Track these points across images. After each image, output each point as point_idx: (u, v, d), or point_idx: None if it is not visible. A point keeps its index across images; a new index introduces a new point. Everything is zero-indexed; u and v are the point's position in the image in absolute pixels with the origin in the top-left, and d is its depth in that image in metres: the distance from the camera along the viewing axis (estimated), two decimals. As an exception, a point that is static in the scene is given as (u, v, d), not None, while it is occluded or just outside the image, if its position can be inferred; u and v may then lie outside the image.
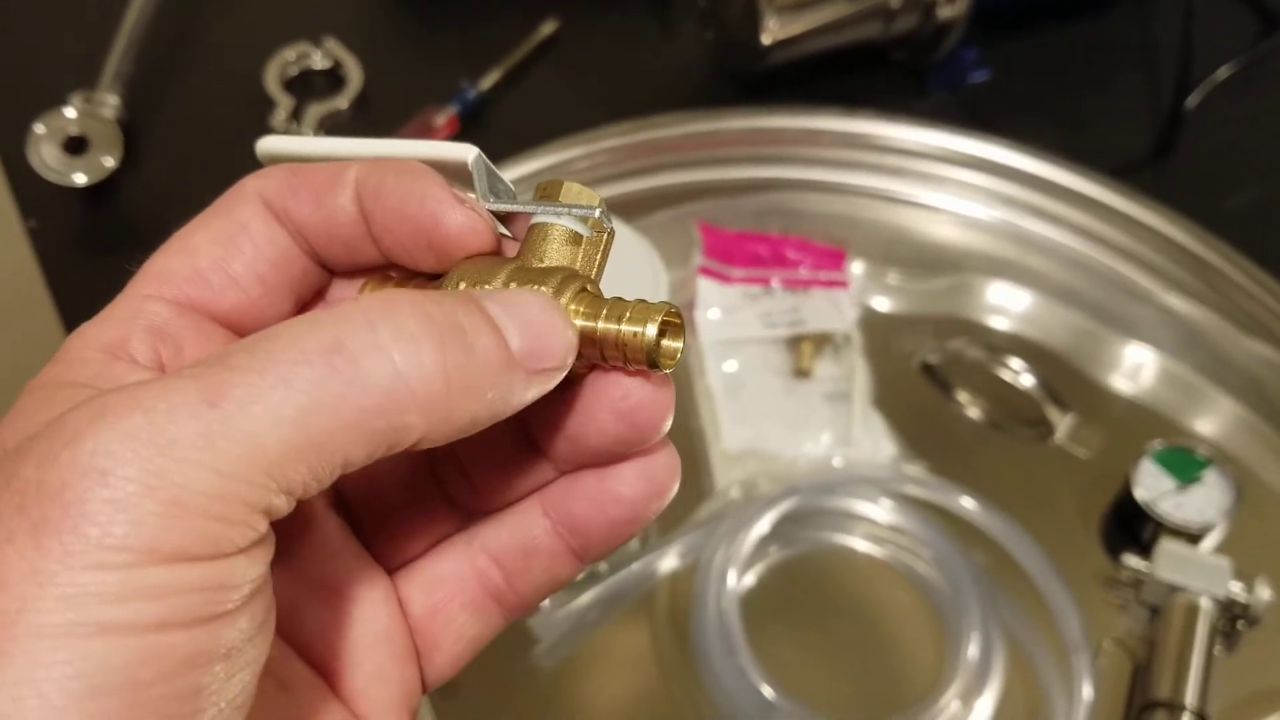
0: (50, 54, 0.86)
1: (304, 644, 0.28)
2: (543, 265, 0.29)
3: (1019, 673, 0.59)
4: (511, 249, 0.30)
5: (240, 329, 0.29)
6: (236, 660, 0.22)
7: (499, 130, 0.82)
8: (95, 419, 0.21)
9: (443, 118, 0.80)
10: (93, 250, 0.77)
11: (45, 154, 0.73)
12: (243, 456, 0.21)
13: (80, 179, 0.74)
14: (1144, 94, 0.87)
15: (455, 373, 0.24)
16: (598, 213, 0.29)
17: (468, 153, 0.29)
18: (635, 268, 0.57)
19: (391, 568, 0.31)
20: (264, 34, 0.85)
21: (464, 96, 0.81)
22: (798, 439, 0.66)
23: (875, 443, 0.66)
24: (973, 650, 0.58)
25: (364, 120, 0.82)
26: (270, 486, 0.22)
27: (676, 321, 0.28)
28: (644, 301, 0.27)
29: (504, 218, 0.30)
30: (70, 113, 0.74)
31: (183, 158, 0.80)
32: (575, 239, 0.29)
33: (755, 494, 0.64)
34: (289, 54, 0.83)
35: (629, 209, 0.72)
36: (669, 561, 0.62)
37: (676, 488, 0.29)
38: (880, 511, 0.63)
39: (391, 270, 0.30)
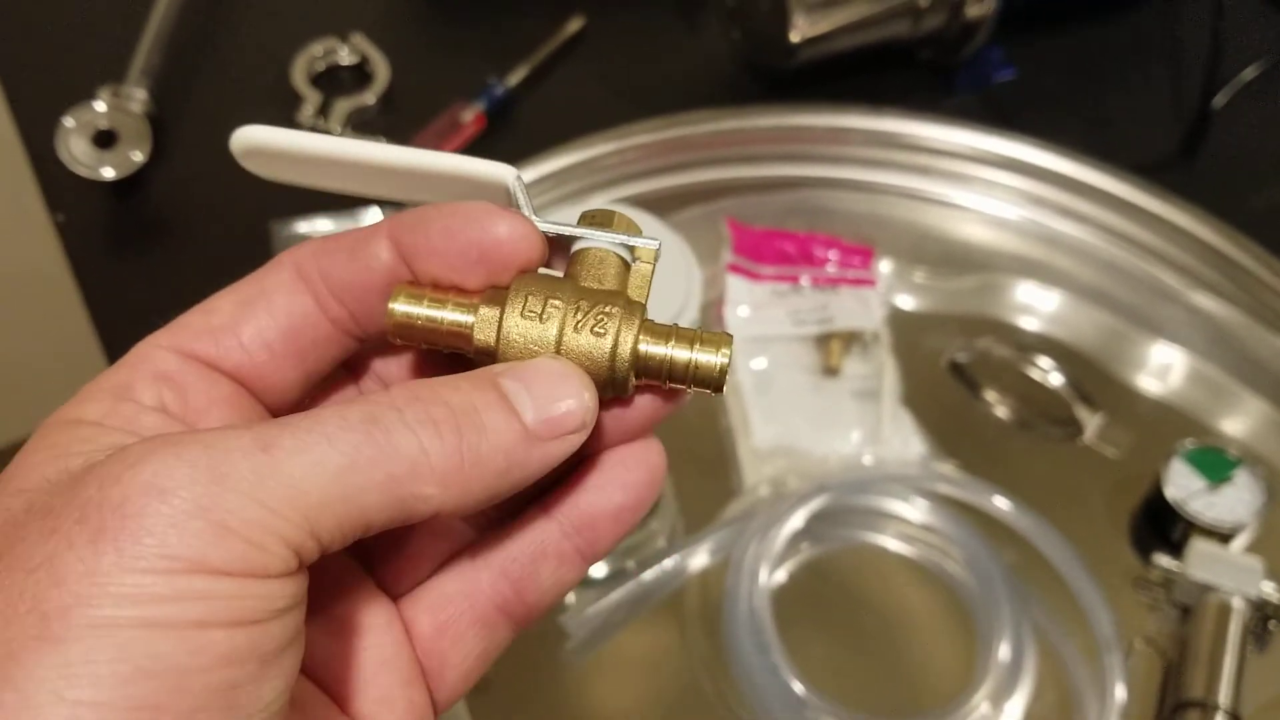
0: (79, 47, 0.87)
1: (311, 672, 0.30)
2: (602, 288, 0.30)
3: (1050, 673, 0.59)
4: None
5: (248, 387, 0.30)
6: (271, 666, 0.24)
7: (526, 127, 0.82)
8: (158, 447, 0.24)
9: (470, 114, 0.80)
10: (120, 244, 0.77)
11: (75, 148, 0.74)
12: (285, 497, 0.24)
13: (109, 173, 0.74)
14: (1169, 93, 0.86)
15: (469, 451, 0.26)
16: (656, 244, 0.31)
17: (506, 174, 0.29)
18: (669, 265, 0.57)
19: (400, 592, 0.32)
20: (291, 29, 0.85)
21: (491, 93, 0.81)
22: (827, 437, 0.66)
23: (905, 441, 0.66)
24: (1004, 650, 0.58)
25: (391, 116, 0.82)
26: (304, 528, 0.24)
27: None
28: (706, 330, 0.30)
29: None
30: (100, 106, 0.75)
31: (210, 153, 0.80)
32: (624, 266, 0.30)
33: (785, 491, 0.64)
34: (316, 49, 0.84)
35: (658, 206, 0.72)
36: (699, 559, 0.62)
37: (665, 472, 0.31)
38: (911, 510, 0.63)
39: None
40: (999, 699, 0.58)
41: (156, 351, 0.29)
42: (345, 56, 0.85)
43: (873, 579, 0.63)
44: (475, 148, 0.80)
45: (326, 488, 0.24)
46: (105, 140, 0.75)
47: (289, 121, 0.80)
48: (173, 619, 0.22)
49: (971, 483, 0.64)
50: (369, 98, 0.82)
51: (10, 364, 1.38)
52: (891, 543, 0.64)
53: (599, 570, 0.63)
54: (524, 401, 0.27)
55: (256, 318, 0.30)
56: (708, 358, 0.29)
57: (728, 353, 0.30)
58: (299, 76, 0.82)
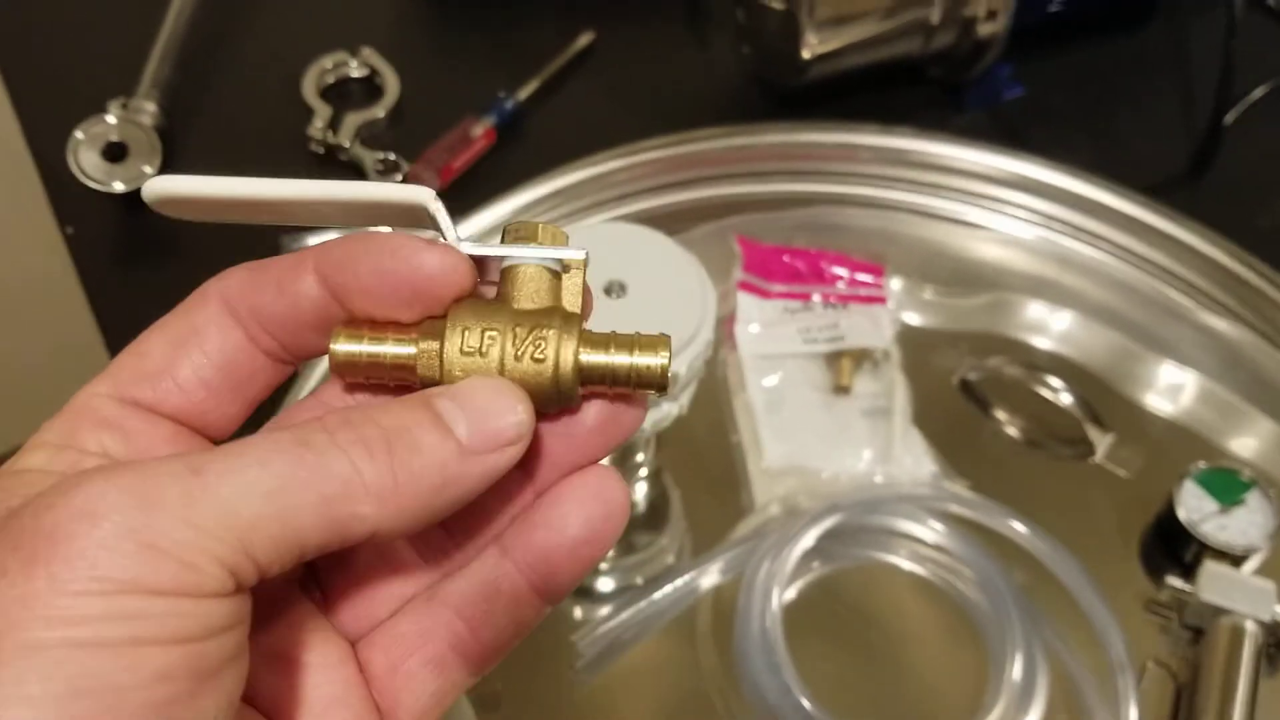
0: (90, 60, 0.87)
1: (261, 707, 0.29)
2: (536, 306, 0.30)
3: (1061, 694, 0.59)
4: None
5: (189, 425, 0.31)
6: (208, 683, 0.24)
7: (535, 141, 0.82)
8: (89, 476, 0.24)
9: (480, 129, 0.80)
10: (129, 257, 0.77)
11: (85, 161, 0.74)
12: (216, 518, 0.24)
13: (119, 186, 0.74)
14: (1178, 112, 0.87)
15: (402, 469, 0.27)
16: (582, 254, 0.31)
17: (424, 196, 0.29)
18: (684, 283, 0.57)
19: (359, 633, 0.32)
20: (301, 43, 0.86)
21: (501, 107, 0.81)
22: (838, 455, 0.66)
23: (916, 460, 0.66)
24: (1015, 671, 0.58)
25: (401, 130, 0.82)
26: (237, 548, 0.24)
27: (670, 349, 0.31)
28: (641, 333, 0.30)
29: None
30: (111, 119, 0.74)
31: (220, 166, 0.80)
32: (555, 277, 0.31)
33: (796, 510, 0.64)
34: (326, 62, 0.84)
35: (667, 222, 0.72)
36: (710, 578, 0.62)
37: (628, 506, 0.31)
38: (923, 529, 0.63)
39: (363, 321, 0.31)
40: (1010, 720, 0.58)
41: (95, 399, 0.30)
42: (355, 70, 0.85)
43: (884, 598, 0.63)
44: (486, 162, 0.80)
45: (258, 508, 0.25)
46: (115, 153, 0.75)
47: (300, 135, 0.80)
48: (106, 638, 0.22)
49: (984, 503, 0.64)
50: (379, 111, 0.82)
51: (20, 376, 1.37)
52: (903, 562, 0.63)
53: (608, 587, 0.63)
54: (457, 417, 0.28)
55: (190, 357, 0.30)
56: (647, 360, 0.30)
57: (666, 354, 0.30)
58: (309, 90, 0.82)
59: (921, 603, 0.63)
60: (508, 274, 0.30)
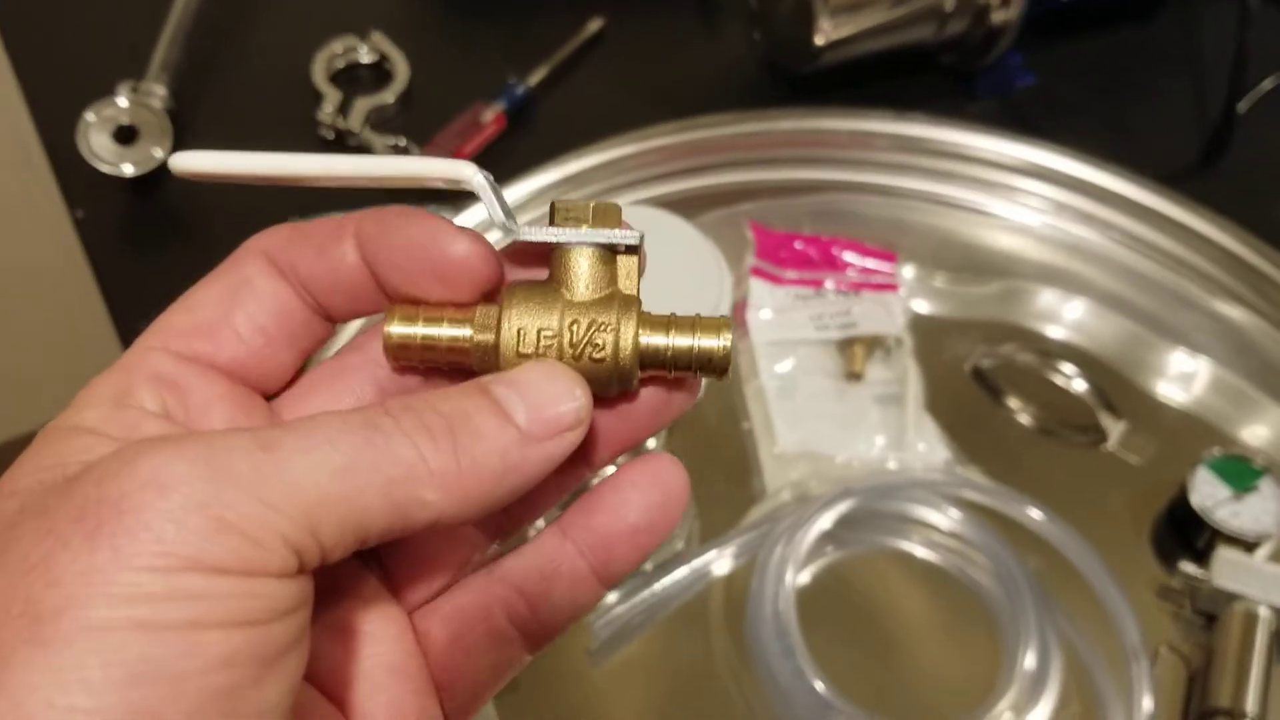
0: (100, 43, 0.86)
1: (318, 679, 0.29)
2: (592, 295, 0.30)
3: (1075, 681, 0.59)
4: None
5: (244, 378, 0.30)
6: (271, 669, 0.24)
7: (546, 127, 0.82)
8: (157, 445, 0.24)
9: (490, 114, 0.80)
10: (139, 241, 0.76)
11: (95, 143, 0.73)
12: (285, 494, 0.24)
13: (129, 169, 0.74)
14: (1190, 101, 0.86)
15: (465, 455, 0.26)
16: (637, 237, 0.30)
17: (472, 176, 0.29)
18: (701, 267, 0.57)
19: (417, 604, 0.32)
20: (311, 27, 0.85)
21: (511, 93, 0.81)
22: (850, 442, 0.66)
23: (929, 446, 0.66)
24: (1029, 658, 0.58)
25: (410, 115, 0.82)
26: (304, 526, 0.24)
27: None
28: (701, 315, 0.30)
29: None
30: (122, 102, 0.74)
31: (229, 149, 0.80)
32: (609, 259, 0.30)
33: (807, 496, 0.64)
34: (336, 47, 0.83)
35: (680, 208, 0.72)
36: (723, 563, 0.62)
37: (688, 493, 0.31)
38: (937, 515, 0.63)
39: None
40: (1023, 707, 0.58)
41: (150, 354, 0.29)
42: (365, 55, 0.84)
43: (897, 584, 0.63)
44: (495, 147, 0.80)
45: (326, 487, 0.24)
46: (126, 136, 0.74)
47: (310, 120, 0.80)
48: (168, 619, 0.22)
49: (998, 489, 0.64)
50: (388, 96, 0.82)
51: (29, 359, 1.37)
52: (917, 548, 0.63)
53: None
54: (515, 404, 0.27)
55: (244, 306, 0.30)
56: (710, 341, 0.29)
57: (729, 335, 0.29)
58: (319, 74, 0.82)
59: (935, 588, 0.63)
60: (560, 257, 0.30)
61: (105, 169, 0.73)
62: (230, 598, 0.23)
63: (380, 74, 0.84)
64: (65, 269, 0.84)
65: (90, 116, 0.74)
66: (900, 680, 0.61)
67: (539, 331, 0.29)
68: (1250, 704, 0.56)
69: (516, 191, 0.74)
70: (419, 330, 0.29)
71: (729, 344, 0.29)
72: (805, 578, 0.62)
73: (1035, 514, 0.62)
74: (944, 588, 0.63)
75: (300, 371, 0.32)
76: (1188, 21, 0.91)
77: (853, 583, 0.63)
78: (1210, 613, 0.61)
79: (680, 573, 0.61)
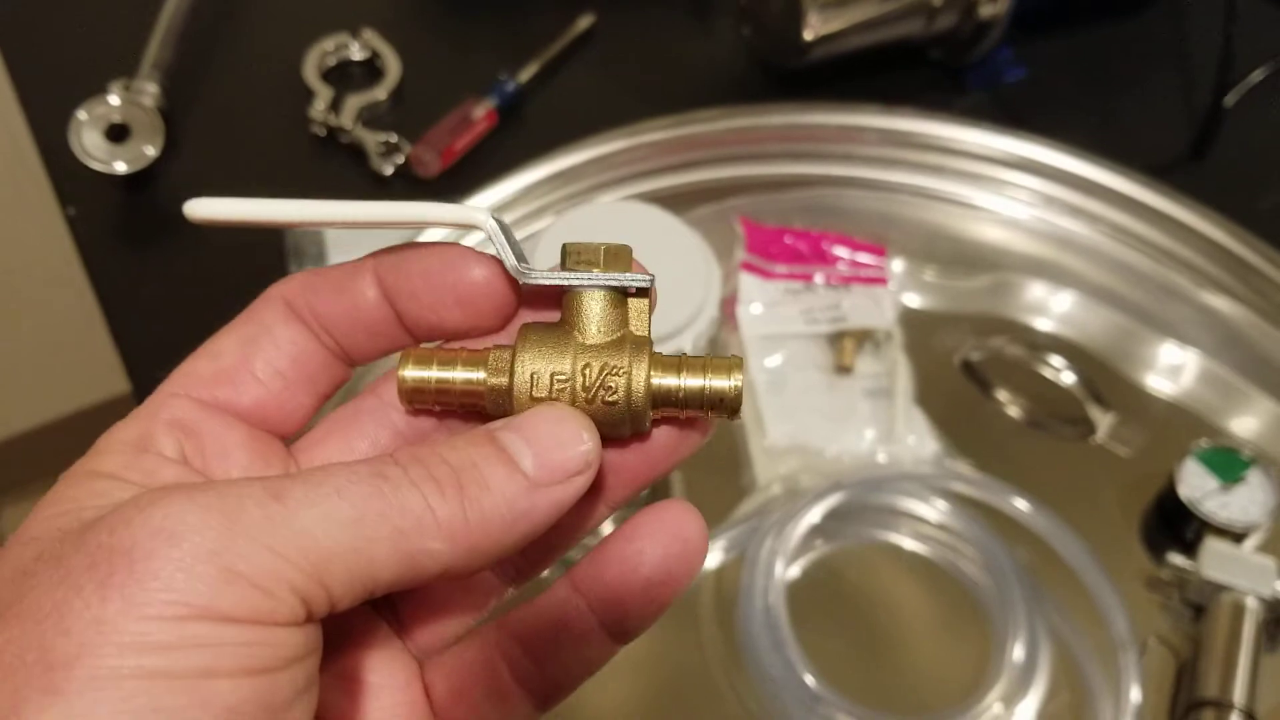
0: (92, 40, 0.86)
1: None
2: (603, 337, 0.30)
3: (1064, 672, 0.59)
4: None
5: (264, 423, 0.31)
6: (279, 718, 0.24)
7: (536, 123, 0.82)
8: (169, 493, 0.24)
9: (481, 110, 0.80)
10: (131, 238, 0.77)
11: (87, 141, 0.74)
12: (296, 544, 0.24)
13: (121, 167, 0.74)
14: (1179, 94, 0.87)
15: (472, 506, 0.26)
16: (649, 280, 0.30)
17: (483, 221, 0.29)
18: (690, 262, 0.57)
19: (429, 649, 0.32)
20: (302, 24, 0.85)
21: (502, 89, 0.81)
22: (840, 435, 0.67)
23: (919, 439, 0.66)
24: (1018, 650, 0.59)
25: (402, 112, 0.82)
26: (313, 576, 0.24)
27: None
28: (712, 356, 0.30)
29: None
30: (114, 100, 0.74)
31: (221, 147, 0.80)
32: (620, 301, 0.30)
33: (798, 490, 0.64)
34: (327, 44, 0.83)
35: (669, 203, 0.72)
36: (713, 556, 0.62)
37: (706, 544, 0.30)
38: (926, 508, 0.63)
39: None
40: (1012, 699, 0.58)
41: (171, 400, 0.30)
42: (356, 52, 0.84)
43: (887, 577, 0.63)
44: (487, 143, 0.80)
45: (336, 537, 0.24)
46: (118, 134, 0.74)
47: (301, 117, 0.80)
48: (178, 668, 0.22)
49: (987, 482, 0.64)
50: (380, 93, 0.82)
51: (22, 357, 1.38)
52: (906, 541, 0.64)
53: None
54: (522, 451, 0.27)
55: (263, 351, 0.30)
56: (721, 382, 0.30)
57: (740, 376, 0.30)
58: (310, 71, 0.82)
59: (924, 581, 0.63)
60: (571, 300, 0.30)
61: (97, 167, 0.73)
62: (239, 646, 0.23)
63: (372, 71, 0.84)
64: (57, 267, 0.84)
65: (82, 115, 0.74)
66: (890, 672, 0.61)
67: (552, 375, 0.29)
68: (1238, 695, 0.56)
69: (507, 188, 0.74)
70: (433, 374, 0.30)
71: (740, 384, 0.30)
72: (795, 571, 0.62)
73: (1024, 506, 0.63)
74: (933, 580, 0.63)
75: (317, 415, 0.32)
76: (1175, 15, 0.91)
77: (843, 576, 0.63)
78: (1198, 604, 0.61)
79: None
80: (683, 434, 0.31)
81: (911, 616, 0.63)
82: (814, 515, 0.62)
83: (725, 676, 0.59)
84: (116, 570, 0.23)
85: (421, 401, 0.30)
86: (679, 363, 0.30)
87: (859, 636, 0.62)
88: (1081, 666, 0.59)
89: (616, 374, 0.29)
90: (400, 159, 0.78)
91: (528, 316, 0.31)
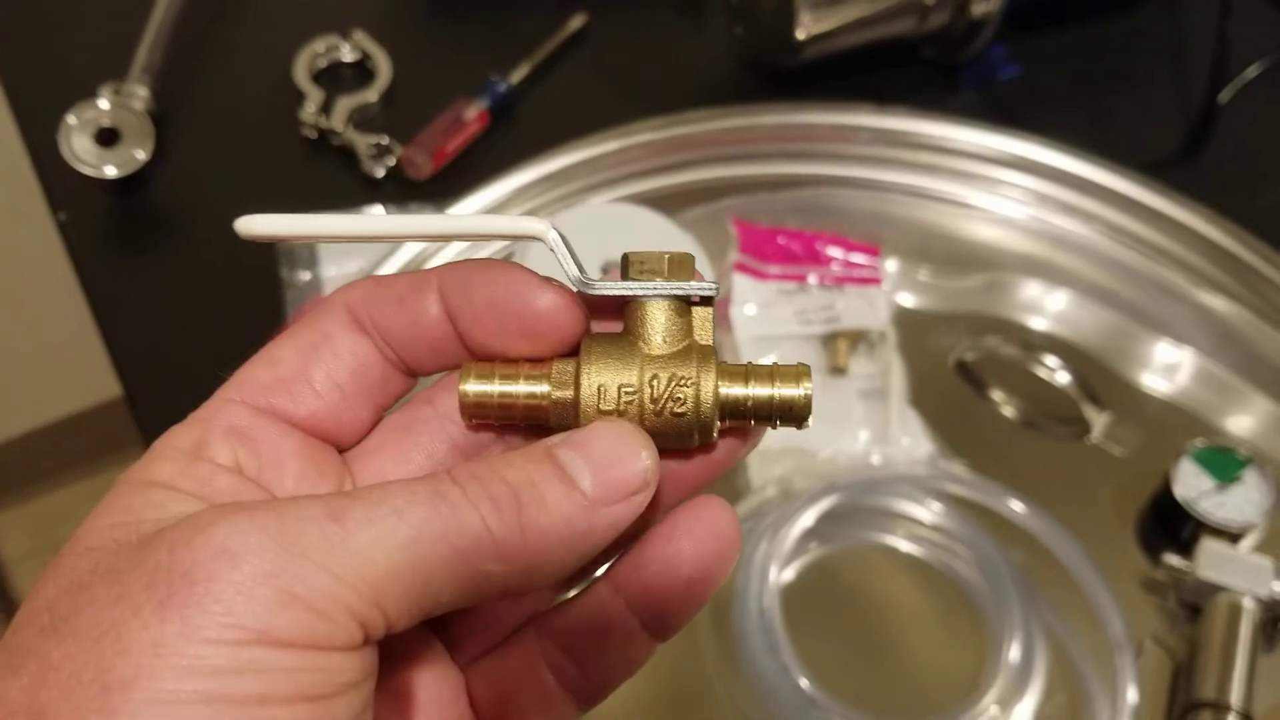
0: (81, 44, 0.86)
1: None
2: (669, 348, 0.29)
3: (1060, 674, 0.59)
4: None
5: (320, 433, 0.30)
6: None
7: (528, 124, 0.82)
8: (230, 512, 0.24)
9: (473, 111, 0.79)
10: (123, 243, 0.76)
11: (77, 145, 0.73)
12: (354, 566, 0.24)
13: (111, 171, 0.73)
14: (1173, 91, 0.86)
15: (530, 526, 0.26)
16: (714, 289, 0.30)
17: (544, 232, 0.29)
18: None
19: (473, 654, 0.32)
20: (292, 26, 0.85)
21: (494, 90, 0.81)
22: (835, 436, 0.66)
23: (913, 440, 0.66)
24: (1014, 651, 0.58)
25: (393, 113, 0.82)
26: (370, 599, 0.24)
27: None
28: (779, 364, 0.30)
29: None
30: (103, 104, 0.74)
31: (212, 150, 0.80)
32: (684, 310, 0.30)
33: (792, 492, 0.64)
34: (318, 46, 0.83)
35: (662, 204, 0.72)
36: (708, 559, 0.62)
37: (740, 539, 0.30)
38: (920, 510, 0.63)
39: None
40: (1009, 700, 0.58)
41: (228, 406, 0.29)
42: (347, 53, 0.84)
43: (882, 579, 0.63)
44: (478, 145, 0.79)
45: (394, 558, 0.24)
46: (108, 138, 0.74)
47: (292, 119, 0.79)
48: (235, 694, 0.22)
49: (982, 483, 0.64)
50: (371, 95, 0.81)
51: (13, 362, 1.37)
52: (901, 543, 0.63)
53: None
54: (580, 469, 0.27)
55: (323, 361, 0.30)
56: (790, 391, 0.29)
57: (809, 384, 0.29)
58: (301, 74, 0.82)
59: (919, 583, 0.63)
60: (634, 310, 0.30)
61: (87, 171, 0.73)
62: (296, 672, 0.23)
63: (363, 73, 0.84)
64: (48, 272, 0.84)
65: (71, 119, 0.73)
66: (886, 675, 0.61)
67: (620, 388, 0.29)
68: (1235, 696, 0.56)
69: (500, 189, 0.74)
70: (495, 388, 0.29)
71: (810, 392, 0.29)
72: (790, 574, 0.62)
73: (1019, 507, 0.62)
74: (929, 582, 0.63)
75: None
76: (1169, 11, 0.91)
77: (838, 578, 0.63)
78: (1195, 604, 0.61)
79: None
80: (739, 442, 0.31)
81: (907, 619, 0.62)
82: (808, 518, 0.61)
83: (720, 680, 0.59)
84: (176, 591, 0.23)
85: (483, 416, 0.30)
86: (746, 371, 0.30)
87: (854, 639, 0.62)
88: (1078, 668, 0.59)
89: (685, 385, 0.29)
90: (392, 161, 0.78)
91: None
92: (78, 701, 0.22)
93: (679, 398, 0.29)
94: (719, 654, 0.60)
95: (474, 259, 0.30)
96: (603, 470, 0.27)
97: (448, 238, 0.30)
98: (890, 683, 0.61)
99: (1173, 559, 0.61)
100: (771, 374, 0.29)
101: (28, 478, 1.47)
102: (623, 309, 0.30)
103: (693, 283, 0.30)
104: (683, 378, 0.29)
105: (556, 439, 0.28)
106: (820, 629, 0.61)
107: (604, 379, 0.29)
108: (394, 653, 0.29)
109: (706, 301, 0.30)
